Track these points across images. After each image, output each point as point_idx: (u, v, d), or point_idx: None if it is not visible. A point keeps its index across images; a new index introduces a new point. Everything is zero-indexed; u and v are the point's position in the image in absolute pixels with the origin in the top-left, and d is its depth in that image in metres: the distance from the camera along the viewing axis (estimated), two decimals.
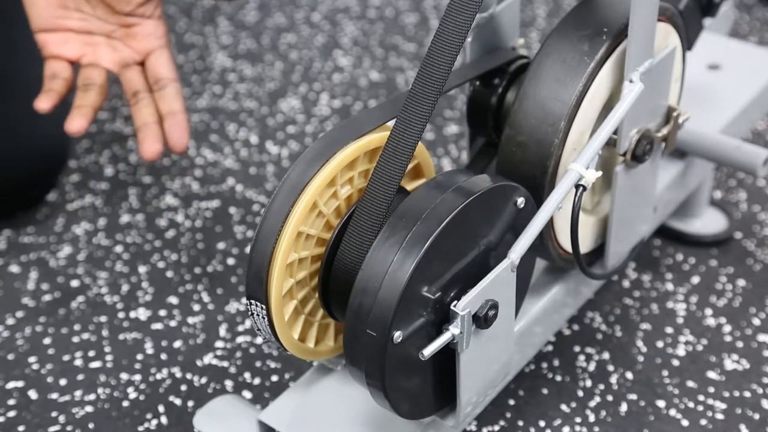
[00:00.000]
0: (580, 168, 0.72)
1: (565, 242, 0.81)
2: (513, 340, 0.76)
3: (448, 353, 0.70)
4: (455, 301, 0.68)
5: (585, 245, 0.84)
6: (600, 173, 0.73)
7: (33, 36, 0.97)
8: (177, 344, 0.99)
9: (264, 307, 0.71)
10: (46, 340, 1.00)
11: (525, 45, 0.85)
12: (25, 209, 1.11)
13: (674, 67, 0.82)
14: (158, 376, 0.96)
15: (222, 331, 1.00)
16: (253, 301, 0.71)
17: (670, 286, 1.03)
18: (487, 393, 0.77)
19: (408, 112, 0.68)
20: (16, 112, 1.03)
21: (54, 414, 0.92)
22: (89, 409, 0.93)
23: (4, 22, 1.03)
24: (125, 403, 0.93)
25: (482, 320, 0.69)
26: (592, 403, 0.91)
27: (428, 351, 0.67)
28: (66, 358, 0.98)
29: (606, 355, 0.96)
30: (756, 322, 0.99)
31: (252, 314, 0.72)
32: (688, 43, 0.86)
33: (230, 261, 1.08)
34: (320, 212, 0.70)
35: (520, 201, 0.71)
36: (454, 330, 0.68)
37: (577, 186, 0.73)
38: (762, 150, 0.92)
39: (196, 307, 1.03)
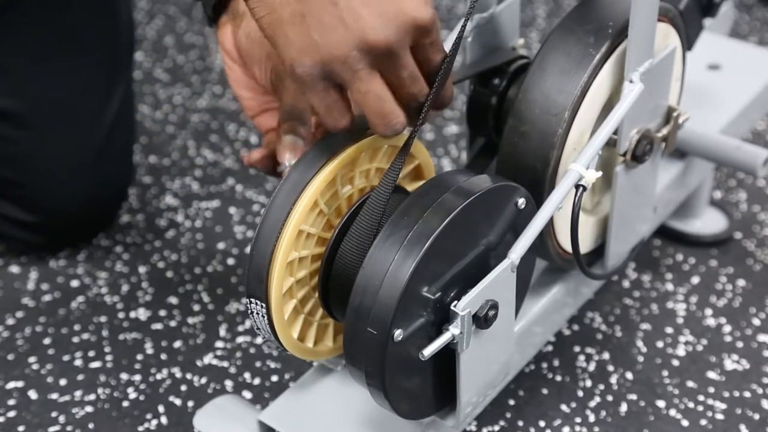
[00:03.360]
0: (580, 168, 0.72)
1: (565, 242, 0.81)
2: (513, 341, 0.76)
3: (448, 353, 0.70)
4: (455, 301, 0.68)
5: (585, 245, 0.84)
6: (600, 173, 0.73)
7: (97, 72, 1.03)
8: (177, 344, 0.99)
9: (264, 305, 0.71)
10: (46, 340, 1.00)
11: (525, 45, 0.85)
12: (87, 239, 1.12)
13: (674, 68, 0.82)
14: (158, 376, 0.96)
15: (222, 331, 1.00)
16: (252, 300, 0.71)
17: (670, 286, 1.03)
18: (487, 393, 0.77)
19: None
20: (81, 148, 1.06)
21: (54, 414, 0.92)
22: (89, 409, 0.93)
23: (71, 58, 1.05)
24: (125, 403, 0.93)
25: (482, 320, 0.69)
26: (592, 403, 0.91)
27: (428, 351, 0.67)
28: (66, 358, 0.98)
29: (606, 355, 0.96)
30: (756, 322, 0.99)
31: (252, 313, 0.72)
32: (688, 43, 0.86)
33: (230, 261, 1.08)
34: (321, 211, 0.70)
35: (521, 201, 0.71)
36: (454, 330, 0.68)
37: (577, 186, 0.73)
38: (762, 150, 0.92)
39: (196, 307, 1.03)
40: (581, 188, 0.73)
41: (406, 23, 0.64)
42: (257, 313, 0.71)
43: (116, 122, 1.07)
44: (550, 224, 0.78)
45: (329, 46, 0.64)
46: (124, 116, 1.09)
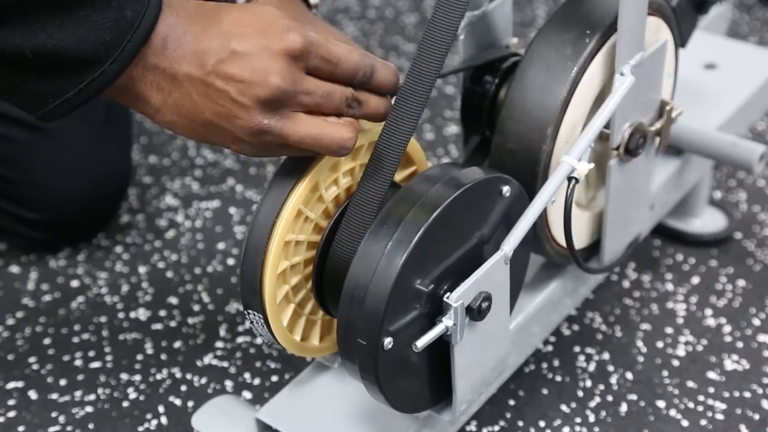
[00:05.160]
0: (572, 160, 0.72)
1: (560, 236, 0.81)
2: (508, 336, 0.76)
3: (443, 347, 0.70)
4: (448, 294, 0.68)
5: (581, 241, 0.84)
6: (592, 165, 0.73)
7: None
8: (177, 344, 0.99)
9: (261, 315, 0.71)
10: (46, 340, 1.00)
11: (521, 44, 0.85)
12: (87, 236, 1.12)
13: (666, 62, 0.82)
14: (158, 377, 0.96)
15: (222, 331, 1.00)
16: (250, 311, 0.71)
17: (670, 287, 1.03)
18: (483, 389, 0.77)
19: (399, 110, 0.68)
20: (81, 141, 1.06)
21: (54, 414, 0.93)
22: (89, 409, 0.93)
23: None
24: (125, 404, 0.93)
25: (476, 312, 0.69)
26: (592, 404, 0.91)
27: (421, 343, 0.67)
28: (66, 358, 0.98)
29: (606, 356, 0.95)
30: (756, 322, 0.98)
31: (252, 322, 0.72)
32: (681, 39, 0.86)
33: (230, 261, 1.09)
34: (306, 218, 0.70)
35: (506, 190, 0.71)
36: (447, 322, 0.68)
37: (569, 178, 0.73)
38: (758, 146, 0.91)
39: (196, 307, 1.03)
40: (574, 180, 0.73)
41: (279, 62, 0.62)
42: (256, 322, 0.72)
43: (110, 113, 1.08)
44: (544, 218, 0.78)
45: (241, 131, 0.64)
46: (118, 107, 1.10)
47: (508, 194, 0.71)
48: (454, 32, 0.67)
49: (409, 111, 0.68)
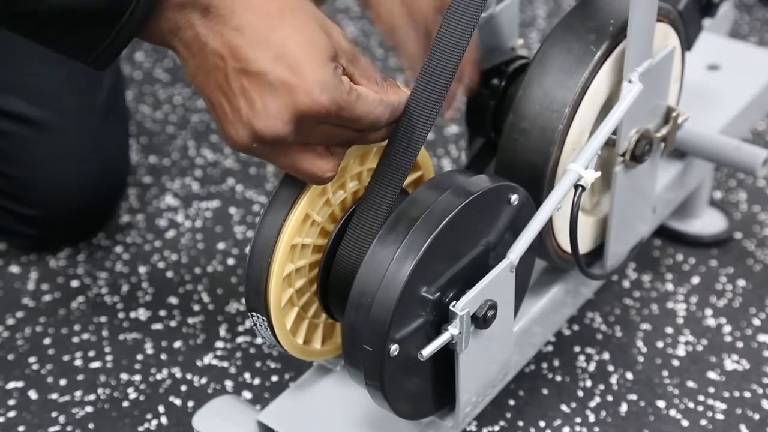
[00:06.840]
0: (579, 168, 0.72)
1: (565, 243, 0.81)
2: (512, 341, 0.76)
3: (448, 354, 0.70)
4: (454, 302, 0.68)
5: (584, 246, 0.84)
6: (599, 173, 0.73)
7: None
8: (177, 344, 0.99)
9: (265, 318, 0.71)
10: (46, 340, 1.00)
11: (525, 45, 0.85)
12: (85, 235, 1.12)
13: (673, 68, 0.82)
14: (158, 377, 0.96)
15: (222, 331, 1.00)
16: (254, 314, 0.71)
17: (670, 287, 1.03)
18: (486, 393, 0.77)
19: (412, 117, 0.67)
20: (77, 141, 1.06)
21: (54, 414, 0.92)
22: (89, 409, 0.93)
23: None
24: (125, 404, 0.93)
25: (481, 320, 0.69)
26: (592, 404, 0.91)
27: (427, 351, 0.67)
28: (66, 358, 0.98)
29: (606, 356, 0.96)
30: (756, 322, 0.99)
31: (255, 325, 0.72)
32: (687, 43, 0.86)
33: (230, 261, 1.08)
34: (314, 221, 0.70)
35: (514, 198, 0.71)
36: (453, 330, 0.68)
37: (576, 186, 0.73)
38: (761, 150, 0.91)
39: (196, 307, 1.03)
40: (580, 188, 0.73)
41: (293, 114, 0.61)
42: (260, 325, 0.72)
43: (108, 110, 1.08)
44: (549, 224, 0.78)
45: (234, 138, 0.64)
46: (115, 104, 1.10)
47: (516, 202, 0.71)
48: (469, 37, 0.66)
49: (423, 118, 0.67)
